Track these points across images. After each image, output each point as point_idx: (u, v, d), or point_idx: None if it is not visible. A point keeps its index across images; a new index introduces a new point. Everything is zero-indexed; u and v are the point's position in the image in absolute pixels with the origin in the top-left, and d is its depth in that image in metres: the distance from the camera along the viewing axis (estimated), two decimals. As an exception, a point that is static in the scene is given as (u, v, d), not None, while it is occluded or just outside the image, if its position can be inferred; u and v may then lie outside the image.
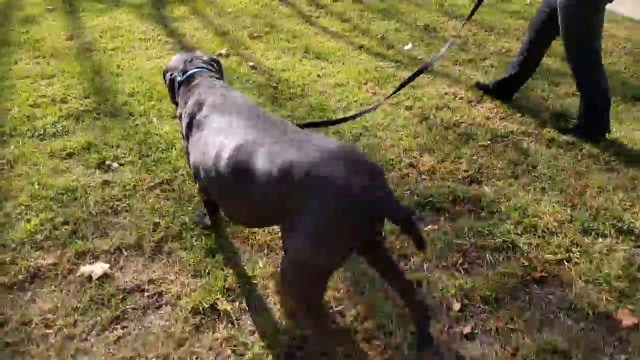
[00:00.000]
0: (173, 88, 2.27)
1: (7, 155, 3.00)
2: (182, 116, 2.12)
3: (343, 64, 4.40)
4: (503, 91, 3.81)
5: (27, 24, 5.07)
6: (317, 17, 5.54)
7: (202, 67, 2.26)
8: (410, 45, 4.81)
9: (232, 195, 1.79)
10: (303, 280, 1.68)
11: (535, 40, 3.48)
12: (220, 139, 1.81)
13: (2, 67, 4.14)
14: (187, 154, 2.08)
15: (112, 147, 3.10)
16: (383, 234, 2.20)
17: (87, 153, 3.04)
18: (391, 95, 2.65)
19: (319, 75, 4.18)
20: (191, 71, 2.23)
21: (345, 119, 2.50)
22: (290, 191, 1.57)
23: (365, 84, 4.04)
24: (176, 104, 2.25)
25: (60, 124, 3.34)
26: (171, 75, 2.28)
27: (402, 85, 2.62)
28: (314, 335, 1.94)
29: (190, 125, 2.03)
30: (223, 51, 4.52)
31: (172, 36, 4.93)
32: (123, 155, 3.03)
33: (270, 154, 1.64)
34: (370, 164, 1.61)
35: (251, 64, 4.31)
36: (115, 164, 2.94)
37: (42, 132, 3.24)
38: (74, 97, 3.68)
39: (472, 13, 3.10)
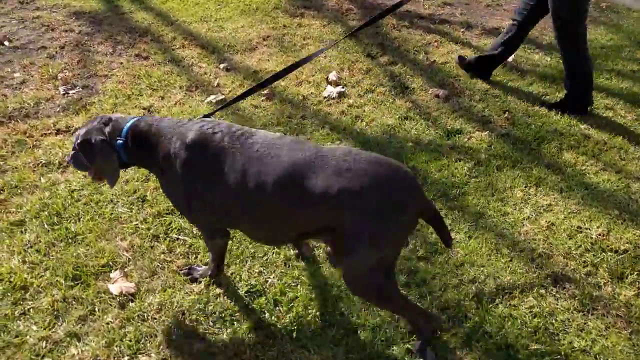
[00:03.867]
0: (110, 154, 2.01)
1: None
2: (164, 168, 1.98)
3: None
4: (482, 69, 3.99)
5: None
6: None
7: (133, 117, 2.10)
8: None
9: (274, 215, 1.84)
10: (375, 277, 1.84)
11: (521, 23, 3.72)
12: (264, 162, 1.82)
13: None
14: (188, 202, 1.97)
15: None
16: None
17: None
18: (354, 32, 2.61)
19: None
20: (130, 122, 2.03)
21: (281, 73, 2.39)
22: (339, 209, 1.73)
23: None
24: (127, 165, 2.10)
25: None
26: (96, 140, 1.98)
27: (370, 21, 2.59)
28: (407, 319, 2.08)
29: (192, 169, 1.91)
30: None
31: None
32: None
33: (325, 177, 1.74)
34: (408, 176, 1.82)
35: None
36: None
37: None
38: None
39: None
